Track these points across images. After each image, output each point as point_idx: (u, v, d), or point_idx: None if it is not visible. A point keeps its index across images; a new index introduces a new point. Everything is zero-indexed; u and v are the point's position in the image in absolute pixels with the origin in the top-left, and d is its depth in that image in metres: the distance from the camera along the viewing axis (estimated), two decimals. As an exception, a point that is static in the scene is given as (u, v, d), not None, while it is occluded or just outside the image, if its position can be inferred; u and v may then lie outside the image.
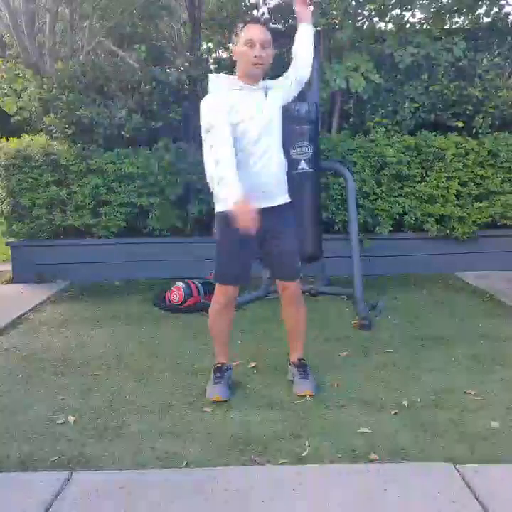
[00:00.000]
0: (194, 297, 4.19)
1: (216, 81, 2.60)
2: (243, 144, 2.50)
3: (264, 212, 2.50)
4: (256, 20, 2.61)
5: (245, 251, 2.63)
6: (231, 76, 2.63)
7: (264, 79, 2.62)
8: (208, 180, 2.59)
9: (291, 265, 2.72)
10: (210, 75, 2.64)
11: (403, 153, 4.86)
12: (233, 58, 2.60)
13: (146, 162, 4.84)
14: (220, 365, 2.83)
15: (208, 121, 2.47)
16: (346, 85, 4.77)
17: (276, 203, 2.64)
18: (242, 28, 2.50)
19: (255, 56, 2.45)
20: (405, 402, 2.64)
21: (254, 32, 2.46)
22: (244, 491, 2.00)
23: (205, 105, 2.51)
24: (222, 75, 2.68)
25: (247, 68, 2.50)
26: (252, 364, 3.13)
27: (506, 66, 5.09)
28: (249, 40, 2.45)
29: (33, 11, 5.20)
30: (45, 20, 5.38)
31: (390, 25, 5.45)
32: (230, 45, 6.20)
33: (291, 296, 2.77)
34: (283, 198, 2.69)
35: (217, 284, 2.72)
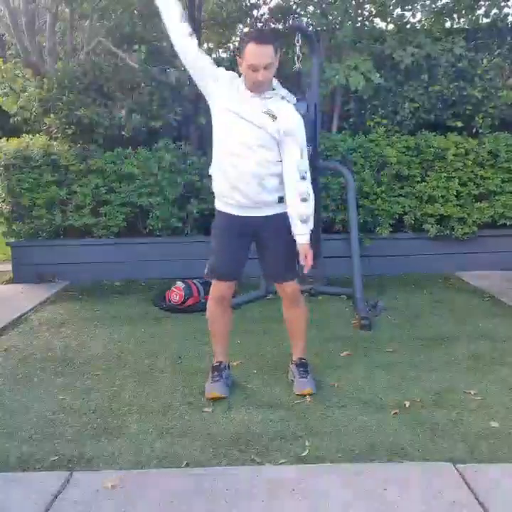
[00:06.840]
0: (194, 297, 4.19)
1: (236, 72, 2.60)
2: (222, 138, 2.52)
3: (252, 219, 2.59)
4: (259, 35, 2.51)
5: (237, 248, 2.67)
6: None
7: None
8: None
9: (285, 269, 2.71)
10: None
11: (403, 153, 4.86)
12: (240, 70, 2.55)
13: (146, 162, 4.84)
14: (218, 363, 2.84)
15: None
16: (346, 82, 4.77)
17: (263, 214, 2.61)
18: (246, 41, 2.45)
19: (259, 79, 2.45)
20: (405, 402, 2.64)
21: (256, 56, 2.40)
22: (244, 491, 2.00)
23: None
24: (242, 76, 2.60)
25: (249, 85, 2.50)
26: (252, 364, 3.13)
27: (506, 66, 5.09)
28: (252, 65, 2.42)
29: (33, 11, 5.19)
30: (45, 20, 5.37)
31: (391, 26, 5.45)
32: (230, 45, 6.23)
33: (289, 297, 2.78)
34: (272, 209, 2.61)
35: (212, 280, 2.77)
